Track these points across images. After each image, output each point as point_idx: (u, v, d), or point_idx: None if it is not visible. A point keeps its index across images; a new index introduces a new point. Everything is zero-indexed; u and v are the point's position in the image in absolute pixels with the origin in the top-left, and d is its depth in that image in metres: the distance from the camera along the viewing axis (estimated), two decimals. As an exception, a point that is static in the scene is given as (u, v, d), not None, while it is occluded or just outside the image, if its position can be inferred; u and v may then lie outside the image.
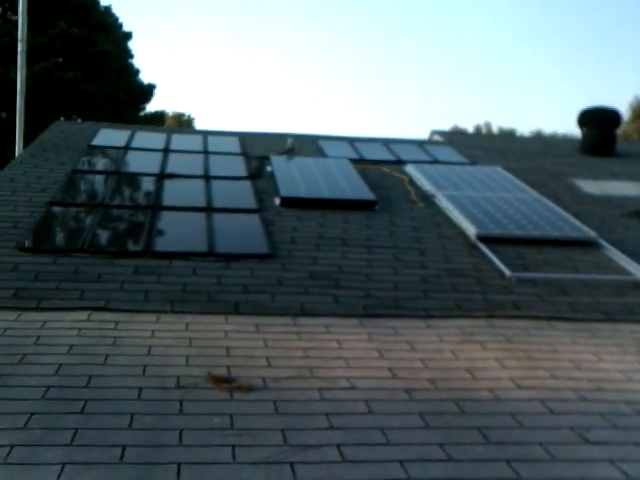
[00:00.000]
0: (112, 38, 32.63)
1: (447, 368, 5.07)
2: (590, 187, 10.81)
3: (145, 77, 33.97)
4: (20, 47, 13.07)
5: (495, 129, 48.02)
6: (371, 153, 11.68)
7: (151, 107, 34.31)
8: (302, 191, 9.11)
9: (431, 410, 4.36)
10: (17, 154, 12.72)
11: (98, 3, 34.09)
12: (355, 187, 9.47)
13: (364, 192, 9.31)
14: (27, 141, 13.01)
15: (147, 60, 75.31)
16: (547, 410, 4.46)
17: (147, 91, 33.43)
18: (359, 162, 10.94)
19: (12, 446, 3.65)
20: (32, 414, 4.05)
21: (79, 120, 32.08)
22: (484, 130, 48.25)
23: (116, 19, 34.14)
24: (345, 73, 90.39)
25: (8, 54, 27.58)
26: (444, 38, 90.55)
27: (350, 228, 8.31)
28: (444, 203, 9.26)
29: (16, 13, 28.36)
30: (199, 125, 49.92)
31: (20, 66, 13.04)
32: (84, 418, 4.04)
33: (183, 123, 47.63)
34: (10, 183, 8.97)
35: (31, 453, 3.61)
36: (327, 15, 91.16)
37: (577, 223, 8.75)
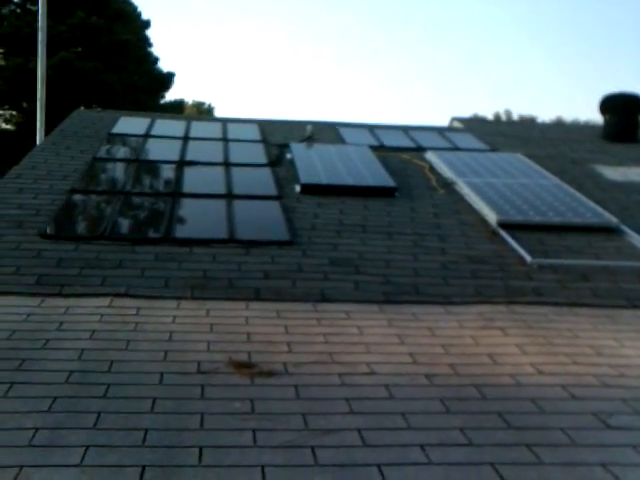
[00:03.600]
0: (131, 27, 32.70)
1: (467, 354, 5.07)
2: (612, 173, 10.74)
3: (164, 65, 33.96)
4: (40, 36, 13.13)
5: (515, 117, 47.76)
6: (391, 140, 11.65)
7: (170, 96, 34.47)
8: (322, 178, 9.10)
9: (452, 395, 4.35)
10: (38, 142, 12.79)
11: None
12: (375, 174, 9.46)
13: (384, 179, 9.29)
14: (48, 130, 13.09)
15: (166, 48, 75.33)
16: (568, 395, 4.45)
17: (166, 79, 33.50)
18: (379, 149, 10.92)
19: (36, 429, 3.69)
20: (56, 398, 4.09)
21: (99, 109, 32.29)
22: (504, 118, 47.99)
23: (135, 8, 34.19)
24: (364, 59, 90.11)
25: (28, 44, 27.73)
26: (463, 25, 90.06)
27: (370, 215, 8.30)
28: (464, 190, 9.23)
29: (35, 3, 28.52)
30: (219, 114, 49.97)
31: (40, 55, 13.10)
32: (106, 402, 4.08)
33: (203, 112, 47.66)
34: (32, 171, 9.02)
35: (55, 436, 3.64)
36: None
37: (598, 209, 8.69)
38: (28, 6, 32.84)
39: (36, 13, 26.78)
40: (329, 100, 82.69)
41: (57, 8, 27.63)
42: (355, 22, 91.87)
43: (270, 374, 4.58)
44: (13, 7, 33.45)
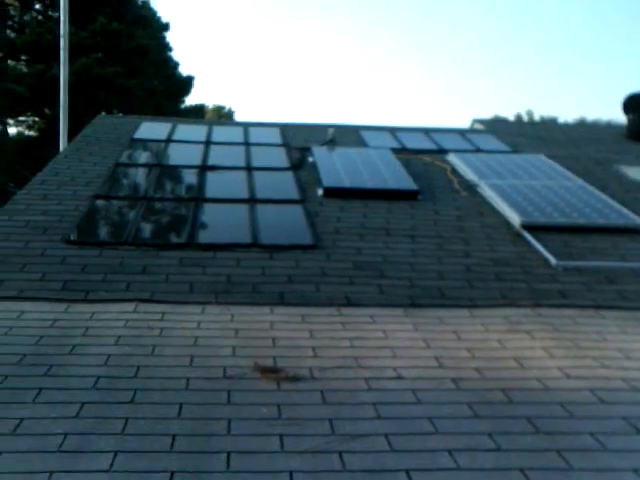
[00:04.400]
0: (150, 32, 32.84)
1: (494, 357, 5.04)
2: (636, 174, 10.66)
3: (184, 70, 34.04)
4: (62, 43, 13.21)
5: (537, 117, 47.53)
6: (412, 142, 11.62)
7: (191, 100, 34.55)
8: (345, 181, 9.09)
9: (479, 399, 4.33)
10: (61, 149, 12.86)
11: (136, -4, 34.35)
12: (397, 177, 9.43)
13: (407, 182, 9.27)
14: (70, 136, 13.16)
15: (185, 52, 75.55)
16: (597, 400, 4.41)
17: (186, 84, 33.60)
18: (401, 152, 10.89)
19: (65, 434, 3.71)
20: (84, 403, 4.10)
21: (120, 114, 32.44)
22: (526, 118, 47.77)
23: (154, 12, 34.34)
24: (383, 61, 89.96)
25: (50, 51, 27.91)
26: (482, 24, 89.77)
27: (393, 218, 8.28)
28: (487, 192, 9.19)
29: (56, 10, 28.72)
30: (239, 117, 50.08)
31: (63, 62, 13.17)
32: (134, 407, 4.09)
33: (223, 116, 47.75)
34: (56, 177, 9.07)
35: (84, 441, 3.66)
36: (360, 1, 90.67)
37: (624, 210, 8.63)
38: (49, 13, 33.07)
39: (57, 19, 26.96)
40: (349, 102, 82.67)
41: (78, 14, 27.81)
42: (371, 23, 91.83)
43: (296, 379, 4.58)
44: (34, 14, 33.69)
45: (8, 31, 29.12)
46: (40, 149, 29.96)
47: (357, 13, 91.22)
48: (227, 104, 61.34)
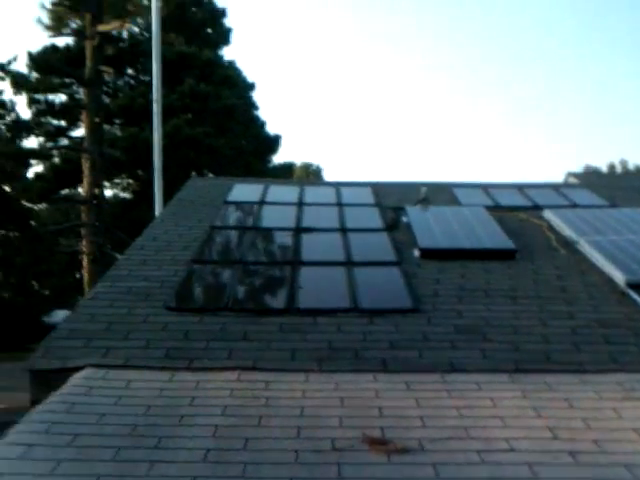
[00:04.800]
0: (237, 91, 33.59)
1: (611, 428, 4.84)
2: None
3: (271, 128, 34.59)
4: (155, 108, 13.57)
5: (631, 166, 46.47)
6: (506, 199, 11.48)
7: (279, 158, 35.06)
8: (441, 241, 9.02)
9: (601, 475, 4.16)
10: (157, 212, 13.14)
11: (222, 58, 35.25)
12: (493, 235, 9.31)
13: (503, 240, 9.13)
14: (163, 197, 13.45)
15: (272, 111, 76.81)
16: None
17: (274, 142, 34.15)
18: (494, 209, 10.76)
19: (181, 512, 3.70)
20: (195, 477, 4.09)
21: (210, 174, 33.10)
22: (619, 168, 46.79)
23: (239, 72, 35.15)
24: (469, 116, 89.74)
25: (142, 114, 28.77)
26: (567, 74, 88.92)
27: (492, 278, 8.14)
28: (587, 249, 8.97)
29: (147, 74, 29.67)
30: (327, 175, 50.53)
31: (156, 127, 13.52)
32: (246, 483, 4.06)
33: (311, 173, 48.28)
34: (153, 242, 9.24)
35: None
36: (437, 58, 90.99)
37: None
38: (140, 77, 34.17)
39: (148, 83, 27.83)
40: (439, 159, 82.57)
41: (167, 77, 28.67)
42: (456, 80, 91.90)
43: (405, 451, 4.48)
44: (127, 79, 34.87)
45: (103, 96, 30.11)
46: (135, 210, 30.77)
47: (441, 70, 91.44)
48: (315, 161, 61.97)
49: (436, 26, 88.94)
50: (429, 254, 8.73)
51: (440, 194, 11.69)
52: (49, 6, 25.71)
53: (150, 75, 21.92)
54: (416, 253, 8.82)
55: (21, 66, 39.95)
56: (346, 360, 6.18)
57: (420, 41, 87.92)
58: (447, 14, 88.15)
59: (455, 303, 7.46)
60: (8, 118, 41.07)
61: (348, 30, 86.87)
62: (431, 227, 9.56)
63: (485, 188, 12.26)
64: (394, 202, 11.07)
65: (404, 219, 10.08)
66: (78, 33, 27.29)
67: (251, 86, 34.96)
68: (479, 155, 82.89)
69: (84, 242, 23.13)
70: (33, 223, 40.73)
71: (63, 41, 31.62)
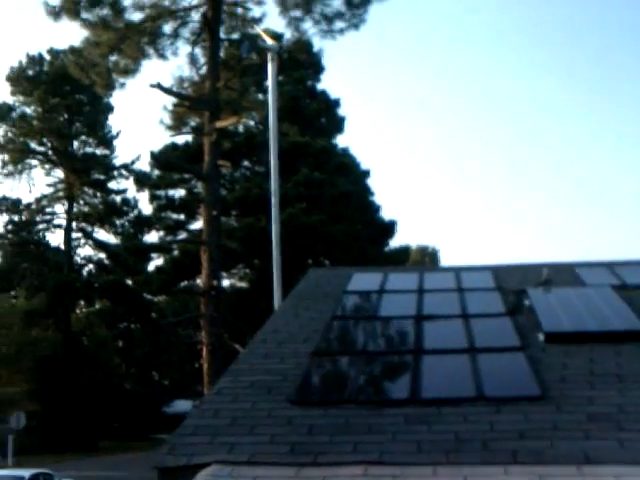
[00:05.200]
0: (352, 178, 34.00)
1: None
2: None
3: (386, 212, 34.80)
4: (274, 200, 13.86)
5: None
6: (634, 277, 11.05)
7: (394, 242, 35.05)
8: (566, 325, 8.75)
9: None
10: (276, 303, 13.29)
11: (336, 146, 35.88)
12: (622, 317, 8.97)
13: (633, 322, 8.78)
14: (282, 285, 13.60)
15: (388, 193, 77.26)
16: None
17: (389, 227, 34.26)
18: (622, 288, 10.38)
19: None
20: None
21: (326, 261, 33.40)
22: None
23: (354, 159, 35.61)
24: (586, 192, 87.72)
25: (257, 204, 29.47)
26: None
27: (624, 362, 7.80)
28: None
29: (262, 165, 30.45)
30: (444, 257, 50.28)
31: (274, 218, 13.79)
32: None
33: (427, 255, 48.13)
34: (275, 335, 9.31)
35: None
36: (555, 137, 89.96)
37: None
38: (256, 168, 35.10)
39: (264, 174, 28.57)
40: (559, 237, 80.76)
41: (282, 167, 29.38)
42: (570, 158, 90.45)
43: None
44: (243, 170, 35.88)
45: (221, 189, 31.03)
46: (252, 299, 31.24)
47: (557, 143, 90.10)
48: (431, 243, 61.76)
49: (556, 106, 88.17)
50: (554, 338, 8.47)
51: (562, 275, 11.39)
52: (171, 107, 26.92)
53: (265, 166, 22.53)
54: (540, 337, 8.57)
55: (143, 165, 41.66)
56: (474, 452, 5.99)
57: (545, 120, 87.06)
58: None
59: (585, 389, 7.17)
60: (131, 214, 42.92)
61: (466, 112, 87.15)
62: (555, 310, 9.31)
63: (610, 266, 11.88)
64: (515, 285, 10.86)
65: (526, 302, 9.86)
66: (197, 131, 28.38)
67: (366, 173, 35.36)
68: (603, 231, 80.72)
69: (203, 332, 23.54)
70: (153, 315, 41.94)
71: (182, 139, 32.97)
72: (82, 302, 45.51)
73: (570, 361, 7.91)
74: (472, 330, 8.88)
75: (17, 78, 41.92)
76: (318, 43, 29.73)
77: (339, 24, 22.19)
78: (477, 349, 8.24)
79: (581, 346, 8.30)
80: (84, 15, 21.30)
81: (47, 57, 42.67)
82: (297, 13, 22.27)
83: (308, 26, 22.65)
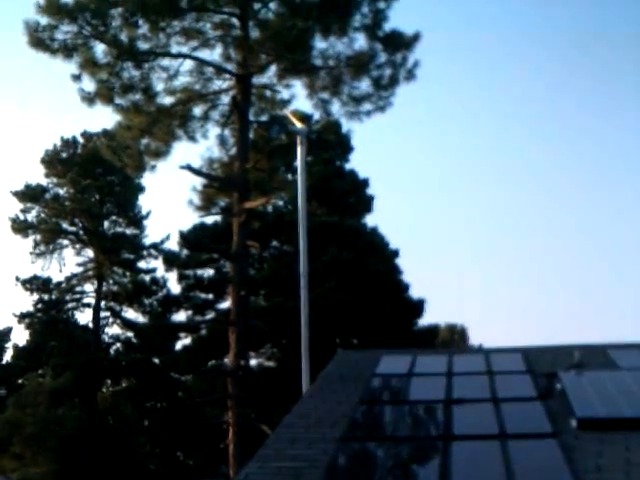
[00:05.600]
0: (380, 257, 33.95)
1: None
2: None
3: (415, 291, 34.56)
4: (302, 282, 13.83)
5: None
6: (668, 360, 10.87)
7: (424, 320, 34.78)
8: (600, 410, 8.54)
9: None
10: (304, 384, 13.16)
11: (365, 225, 35.98)
12: (658, 402, 8.76)
13: (670, 407, 8.57)
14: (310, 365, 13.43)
15: (416, 273, 76.76)
16: None
17: (418, 306, 34.02)
18: (656, 372, 10.18)
19: None
20: None
21: (354, 340, 33.15)
22: None
23: (382, 238, 35.63)
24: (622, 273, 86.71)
25: (286, 284, 29.45)
26: None
27: (661, 450, 7.57)
28: None
29: (291, 244, 30.58)
30: (473, 335, 49.84)
31: (303, 301, 13.74)
32: None
33: (457, 333, 47.71)
34: (302, 419, 9.18)
35: None
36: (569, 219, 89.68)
37: None
38: (284, 247, 35.23)
39: (292, 253, 28.63)
40: (591, 315, 79.69)
41: (311, 246, 29.45)
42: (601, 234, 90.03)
43: None
44: (272, 250, 36.01)
45: (249, 269, 31.12)
46: (279, 378, 31.01)
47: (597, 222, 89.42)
48: (460, 320, 61.14)
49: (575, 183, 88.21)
50: (588, 424, 8.24)
51: (595, 357, 11.19)
52: (200, 188, 27.20)
53: (294, 245, 22.58)
54: (573, 423, 8.35)
55: (173, 244, 41.98)
56: None
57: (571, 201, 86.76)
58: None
59: (621, 479, 6.95)
60: (160, 294, 43.04)
61: (497, 190, 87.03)
62: (588, 394, 9.10)
63: (644, 348, 11.68)
64: (546, 368, 10.68)
65: (558, 386, 9.66)
66: (226, 211, 28.59)
67: (395, 252, 35.31)
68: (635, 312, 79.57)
69: (229, 413, 23.29)
70: (180, 394, 41.69)
71: (212, 219, 33.24)
72: (109, 381, 45.40)
73: (605, 449, 7.67)
74: (502, 415, 8.69)
75: (51, 161, 42.73)
76: (347, 124, 30.05)
77: (366, 106, 22.43)
78: (508, 435, 8.03)
79: (616, 433, 8.07)
80: (117, 100, 21.72)
81: (80, 140, 43.50)
82: (325, 95, 22.58)
83: (336, 108, 22.93)
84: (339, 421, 8.98)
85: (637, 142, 76.97)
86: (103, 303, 43.68)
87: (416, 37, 21.39)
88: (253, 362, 34.05)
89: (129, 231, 44.36)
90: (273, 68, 22.41)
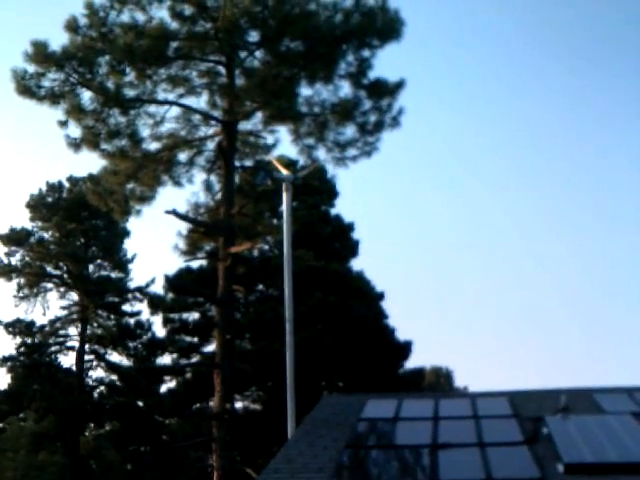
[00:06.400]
0: (366, 301, 33.95)
1: None
2: None
3: (401, 334, 34.51)
4: (288, 327, 13.86)
5: None
6: (654, 404, 10.91)
7: (410, 363, 34.72)
8: (586, 455, 8.57)
9: None
10: (289, 429, 13.11)
11: (351, 270, 36.03)
12: (644, 446, 8.78)
13: (655, 451, 8.59)
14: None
15: (401, 316, 76.40)
16: None
17: (404, 349, 33.99)
18: (642, 416, 10.21)
19: None
20: None
21: (339, 383, 33.01)
22: None
23: (368, 282, 35.66)
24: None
25: (271, 327, 29.41)
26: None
27: (648, 496, 7.59)
28: None
29: (276, 289, 30.57)
30: (458, 377, 49.73)
31: (288, 345, 13.76)
32: None
33: (442, 376, 47.59)
34: (288, 465, 9.15)
35: None
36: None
37: None
38: (269, 291, 35.20)
39: (277, 297, 28.62)
40: (576, 358, 79.46)
41: (296, 290, 29.47)
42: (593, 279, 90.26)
43: None
44: (258, 294, 35.95)
45: (235, 312, 31.06)
46: (264, 421, 30.79)
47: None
48: (445, 363, 60.92)
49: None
50: (574, 469, 8.27)
51: (581, 401, 11.22)
52: (185, 233, 27.24)
53: (279, 289, 22.58)
54: (560, 468, 8.37)
55: (158, 288, 41.84)
56: None
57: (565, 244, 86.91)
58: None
59: (609, 525, 6.96)
60: (144, 337, 42.78)
61: (481, 234, 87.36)
62: (574, 439, 9.13)
63: (630, 392, 11.69)
64: (532, 412, 10.70)
65: (544, 430, 9.68)
66: (211, 255, 28.61)
67: (380, 295, 35.31)
68: (620, 355, 79.50)
69: (214, 456, 23.09)
70: (164, 437, 41.27)
71: (197, 263, 33.22)
72: (92, 424, 44.88)
73: (592, 494, 7.71)
74: (489, 459, 8.70)
75: (36, 205, 42.64)
76: (332, 169, 30.21)
77: (352, 151, 22.60)
78: (495, 480, 8.06)
79: (603, 478, 8.10)
80: (103, 146, 21.81)
81: (66, 184, 43.47)
82: (310, 141, 22.75)
83: (321, 154, 23.10)
84: (325, 466, 8.95)
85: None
86: (87, 346, 43.30)
87: (400, 84, 21.66)
88: (238, 405, 33.81)
89: (114, 274, 44.15)
90: (259, 115, 22.59)
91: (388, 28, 21.05)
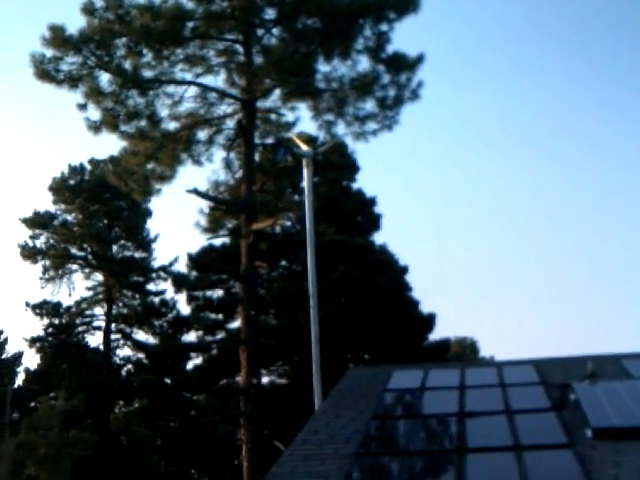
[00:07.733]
0: (390, 274, 33.93)
1: None
2: None
3: (425, 307, 34.49)
4: (312, 302, 13.88)
5: None
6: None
7: (434, 335, 34.74)
8: (615, 420, 8.54)
9: None
10: (316, 401, 13.18)
11: (374, 243, 36.00)
12: (673, 410, 8.75)
13: (684, 415, 8.56)
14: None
15: (425, 288, 76.40)
16: None
17: (428, 321, 33.98)
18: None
19: None
20: None
21: (365, 356, 33.13)
22: None
23: (391, 255, 35.61)
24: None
25: (295, 302, 29.47)
26: None
27: (679, 458, 7.56)
28: None
29: (300, 264, 30.65)
30: (484, 347, 49.68)
31: (313, 319, 13.79)
32: None
33: (466, 347, 47.60)
34: (316, 436, 9.19)
35: None
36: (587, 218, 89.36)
37: None
38: (293, 267, 35.27)
39: (301, 272, 28.70)
40: (604, 325, 79.05)
41: (320, 265, 29.46)
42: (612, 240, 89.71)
43: None
44: (281, 270, 36.05)
45: (258, 289, 31.15)
46: (291, 395, 30.97)
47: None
48: (469, 334, 60.81)
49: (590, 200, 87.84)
50: (603, 434, 8.24)
51: (608, 367, 11.16)
52: (207, 211, 27.34)
53: (303, 264, 22.63)
54: (588, 433, 8.35)
55: (181, 266, 42.08)
56: None
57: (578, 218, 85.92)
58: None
59: (639, 488, 6.96)
60: (170, 315, 43.09)
61: (507, 205, 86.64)
62: (602, 404, 9.10)
63: (657, 357, 11.65)
64: (559, 379, 10.66)
65: (572, 396, 9.65)
66: (233, 232, 28.72)
67: (404, 269, 35.29)
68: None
69: (242, 430, 23.30)
70: (193, 413, 41.66)
71: (220, 241, 33.34)
72: (121, 402, 45.42)
73: (621, 459, 7.66)
74: (517, 426, 8.70)
75: (59, 188, 42.99)
76: (352, 144, 30.11)
77: (372, 125, 22.51)
78: (522, 446, 8.03)
79: (632, 442, 8.07)
80: (123, 127, 21.91)
81: (88, 167, 43.82)
82: (330, 117, 22.68)
83: (341, 129, 23.03)
84: (352, 437, 8.99)
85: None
86: (113, 326, 43.75)
87: (419, 59, 21.53)
88: (265, 380, 33.99)
89: (138, 254, 44.47)
90: (277, 92, 22.56)
91: (405, 1, 20.90)
